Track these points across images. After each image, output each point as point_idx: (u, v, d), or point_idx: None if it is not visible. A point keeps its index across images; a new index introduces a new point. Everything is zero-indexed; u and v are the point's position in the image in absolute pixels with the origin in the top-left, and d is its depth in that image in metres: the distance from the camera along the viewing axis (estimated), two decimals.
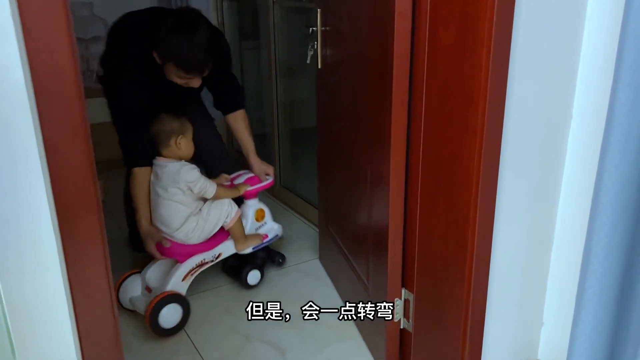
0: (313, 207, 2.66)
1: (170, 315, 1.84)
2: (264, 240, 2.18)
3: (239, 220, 2.05)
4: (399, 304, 1.61)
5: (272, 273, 2.25)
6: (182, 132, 1.92)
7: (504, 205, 1.37)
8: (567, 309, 1.45)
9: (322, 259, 2.33)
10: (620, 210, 1.19)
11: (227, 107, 2.20)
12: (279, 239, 2.31)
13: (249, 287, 2.12)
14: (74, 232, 0.84)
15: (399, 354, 1.68)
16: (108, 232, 2.35)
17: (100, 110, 3.27)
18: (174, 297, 1.85)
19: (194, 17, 1.83)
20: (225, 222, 2.00)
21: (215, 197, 1.95)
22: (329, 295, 2.11)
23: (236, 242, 2.07)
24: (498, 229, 1.38)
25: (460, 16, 1.23)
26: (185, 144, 1.92)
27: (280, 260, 2.28)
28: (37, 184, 0.80)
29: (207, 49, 1.81)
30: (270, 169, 2.22)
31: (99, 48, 3.52)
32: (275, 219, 2.29)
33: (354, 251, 1.89)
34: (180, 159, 1.93)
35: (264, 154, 3.24)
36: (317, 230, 2.38)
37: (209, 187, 1.91)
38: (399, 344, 1.66)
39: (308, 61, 1.97)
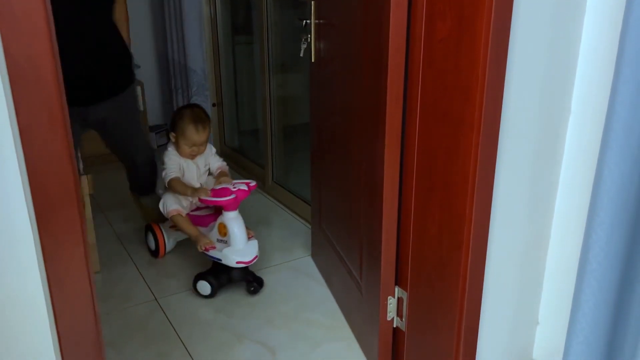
0: (306, 203, 2.63)
1: (150, 241, 2.34)
2: (207, 252, 2.04)
3: (180, 217, 2.13)
4: (392, 302, 1.58)
5: (263, 271, 2.21)
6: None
7: (500, 203, 1.34)
8: (563, 309, 1.43)
9: (315, 256, 2.29)
10: (620, 208, 1.16)
11: None
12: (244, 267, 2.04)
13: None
14: (52, 228, 0.80)
15: (391, 354, 1.65)
16: (97, 227, 2.34)
17: None
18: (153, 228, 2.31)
19: None
20: (163, 210, 2.15)
21: (169, 187, 2.11)
22: (321, 293, 2.07)
23: None
24: (494, 227, 1.35)
25: (457, 7, 1.19)
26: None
27: (252, 289, 2.05)
28: (12, 177, 0.76)
29: None
30: None
31: None
32: (267, 215, 2.25)
33: (347, 249, 1.86)
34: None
35: (257, 150, 3.22)
36: (310, 227, 2.35)
37: (167, 175, 2.11)
38: (391, 343, 1.63)
39: (301, 54, 1.94)
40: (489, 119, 1.23)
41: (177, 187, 2.09)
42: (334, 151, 1.90)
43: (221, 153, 3.43)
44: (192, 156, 2.16)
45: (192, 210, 2.22)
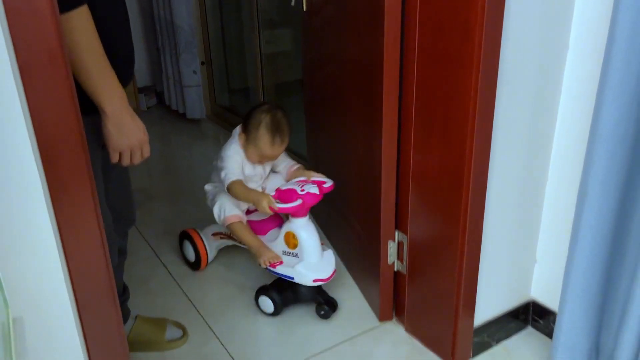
0: (301, 159, 2.62)
1: (188, 250, 1.97)
2: (273, 268, 1.71)
3: (239, 225, 1.78)
4: (393, 246, 1.60)
5: None
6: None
7: (500, 142, 1.35)
8: (560, 247, 1.45)
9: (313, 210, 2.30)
10: (618, 143, 1.18)
11: None
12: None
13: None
14: (58, 171, 0.79)
15: (392, 297, 1.68)
16: None
17: None
18: (191, 236, 1.94)
19: None
20: (219, 217, 1.81)
21: (230, 192, 1.74)
22: None
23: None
24: (493, 166, 1.36)
25: None
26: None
27: (322, 313, 1.71)
28: (16, 119, 0.74)
29: None
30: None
31: None
32: None
33: (346, 198, 1.87)
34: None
35: (249, 108, 3.18)
36: None
37: (227, 177, 1.72)
38: (392, 287, 1.67)
39: (292, 3, 1.90)
40: (488, 58, 1.22)
41: (239, 191, 1.70)
42: (329, 101, 1.89)
43: (212, 112, 3.41)
44: (261, 162, 1.82)
45: (245, 214, 1.86)
